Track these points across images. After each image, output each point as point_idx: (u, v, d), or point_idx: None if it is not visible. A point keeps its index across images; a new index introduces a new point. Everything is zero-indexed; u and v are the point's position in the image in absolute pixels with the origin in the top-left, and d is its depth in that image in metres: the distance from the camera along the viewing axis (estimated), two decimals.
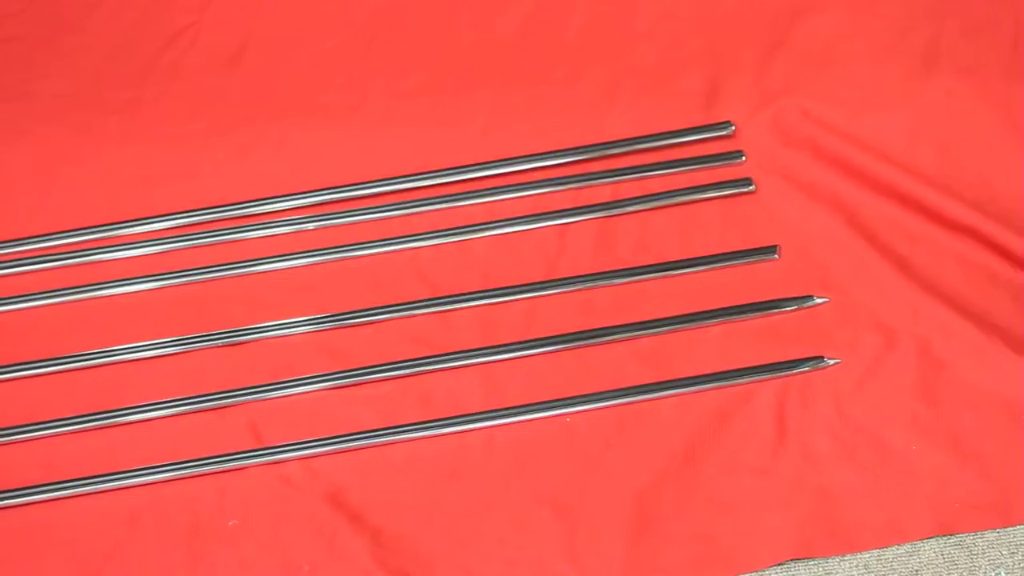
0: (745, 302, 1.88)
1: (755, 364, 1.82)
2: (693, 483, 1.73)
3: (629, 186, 2.03)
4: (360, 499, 1.74)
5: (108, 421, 1.83)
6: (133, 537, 1.72)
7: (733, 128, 2.06)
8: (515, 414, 1.80)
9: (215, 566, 1.69)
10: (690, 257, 1.94)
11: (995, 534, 1.68)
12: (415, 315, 1.91)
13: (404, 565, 1.68)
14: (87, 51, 2.27)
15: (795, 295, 1.88)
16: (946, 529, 1.67)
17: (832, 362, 1.81)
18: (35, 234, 2.03)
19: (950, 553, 1.66)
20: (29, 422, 1.83)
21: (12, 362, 1.90)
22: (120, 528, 1.73)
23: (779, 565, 1.66)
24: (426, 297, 1.93)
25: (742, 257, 1.94)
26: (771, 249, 1.94)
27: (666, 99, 2.11)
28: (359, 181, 2.05)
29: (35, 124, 2.15)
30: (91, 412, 1.83)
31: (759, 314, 1.87)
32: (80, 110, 2.18)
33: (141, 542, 1.72)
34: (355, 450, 1.78)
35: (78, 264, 2.01)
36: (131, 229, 2.03)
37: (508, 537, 1.70)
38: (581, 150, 2.06)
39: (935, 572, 1.65)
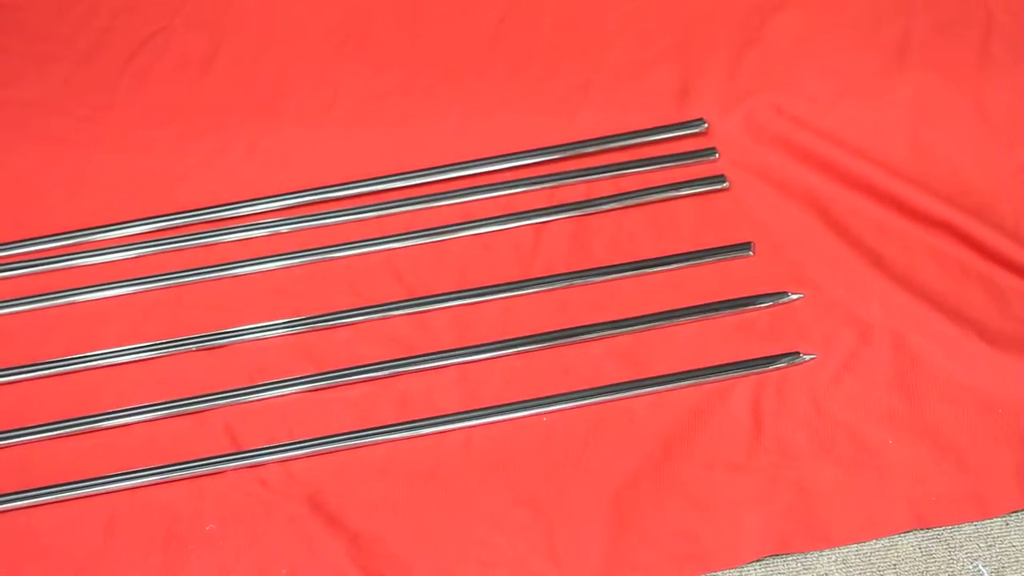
0: (720, 299, 1.89)
1: (731, 361, 1.82)
2: (671, 480, 1.73)
3: (603, 185, 2.04)
4: (338, 501, 1.73)
5: (84, 426, 1.82)
6: (110, 543, 1.71)
7: (706, 125, 2.07)
8: (492, 414, 1.79)
9: (192, 571, 1.68)
10: (665, 255, 1.94)
11: (972, 527, 1.68)
12: (391, 316, 1.91)
13: (382, 567, 1.67)
14: (56, 57, 2.26)
15: (770, 291, 1.89)
16: (923, 523, 1.68)
17: (808, 357, 1.81)
18: (7, 240, 2.02)
19: (928, 546, 1.67)
20: (4, 428, 1.82)
21: None
22: (96, 534, 1.72)
23: (758, 561, 1.67)
24: (402, 298, 1.92)
25: (717, 254, 1.94)
26: (745, 246, 1.94)
27: (639, 97, 2.12)
28: (333, 183, 2.05)
29: (4, 131, 2.15)
30: (67, 418, 1.83)
31: (734, 311, 1.88)
32: (50, 116, 2.17)
33: (118, 548, 1.71)
34: (332, 452, 1.78)
35: (52, 270, 2.00)
36: (105, 234, 2.03)
37: (487, 537, 1.69)
38: (555, 149, 2.06)
39: (913, 565, 1.65)
